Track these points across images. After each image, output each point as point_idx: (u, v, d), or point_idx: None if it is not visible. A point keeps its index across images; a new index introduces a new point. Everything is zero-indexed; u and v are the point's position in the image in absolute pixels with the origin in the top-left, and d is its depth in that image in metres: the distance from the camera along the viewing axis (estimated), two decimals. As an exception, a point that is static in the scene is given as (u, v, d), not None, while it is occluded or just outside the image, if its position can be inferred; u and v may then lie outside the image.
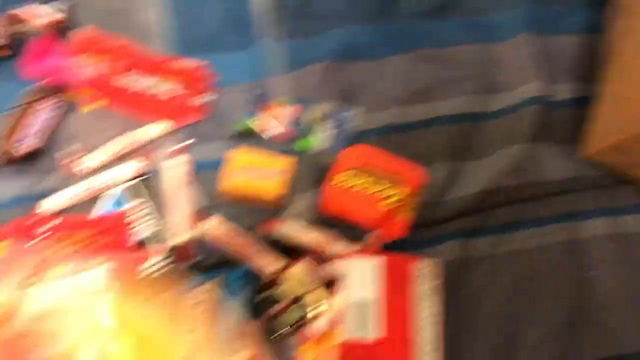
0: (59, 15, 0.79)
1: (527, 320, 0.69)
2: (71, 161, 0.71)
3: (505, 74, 0.81)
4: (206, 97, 0.78)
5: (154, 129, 0.75)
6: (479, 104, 0.80)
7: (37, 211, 0.69)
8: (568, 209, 0.75)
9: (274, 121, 0.74)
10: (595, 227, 0.75)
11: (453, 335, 0.67)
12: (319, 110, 0.77)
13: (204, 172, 0.74)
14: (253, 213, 0.72)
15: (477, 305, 0.70)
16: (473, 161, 0.77)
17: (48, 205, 0.69)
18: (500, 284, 0.71)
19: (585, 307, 0.70)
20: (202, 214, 0.71)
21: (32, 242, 0.66)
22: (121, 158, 0.73)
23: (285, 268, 0.68)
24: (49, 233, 0.68)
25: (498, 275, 0.72)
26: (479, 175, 0.76)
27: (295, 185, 0.74)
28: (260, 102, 0.76)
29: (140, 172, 0.72)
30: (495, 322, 0.69)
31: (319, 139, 0.75)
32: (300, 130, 0.75)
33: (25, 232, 0.67)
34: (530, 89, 0.80)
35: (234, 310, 0.63)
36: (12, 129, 0.71)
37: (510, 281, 0.71)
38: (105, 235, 0.68)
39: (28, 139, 0.72)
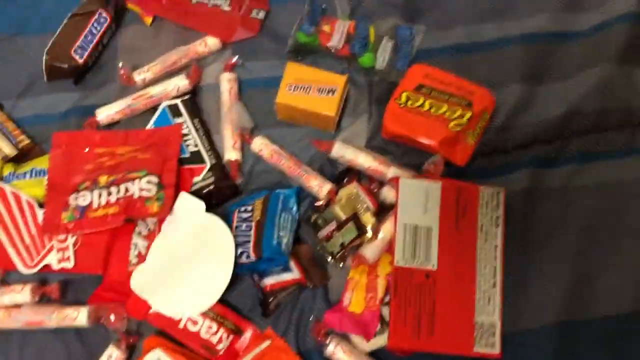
0: None
1: (602, 261, 0.62)
2: (127, 72, 0.68)
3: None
4: (261, 13, 0.73)
5: (207, 44, 0.71)
6: (560, 22, 0.72)
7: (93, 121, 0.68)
8: (659, 140, 0.67)
9: (334, 36, 0.69)
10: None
11: (516, 273, 0.61)
12: (382, 25, 0.71)
13: (254, 90, 0.71)
14: (306, 132, 0.68)
15: (547, 242, 0.63)
16: (551, 84, 0.70)
17: (103, 115, 0.68)
18: (573, 220, 0.64)
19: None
20: (249, 133, 0.67)
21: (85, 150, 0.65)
22: (173, 72, 0.70)
23: (337, 189, 0.63)
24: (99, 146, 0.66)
25: (572, 209, 0.64)
26: (558, 99, 0.68)
27: (354, 104, 0.69)
28: (319, 16, 0.71)
29: (186, 88, 0.69)
30: (565, 261, 0.62)
31: (381, 56, 0.69)
32: (361, 46, 0.69)
33: (79, 142, 0.66)
34: (621, 4, 0.70)
35: (285, 227, 0.60)
36: (71, 40, 0.70)
37: (585, 217, 0.64)
38: (154, 149, 0.65)
39: (85, 51, 0.70)
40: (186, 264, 0.59)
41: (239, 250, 0.59)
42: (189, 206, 0.61)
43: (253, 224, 0.60)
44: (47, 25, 0.74)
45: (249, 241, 0.59)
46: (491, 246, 0.60)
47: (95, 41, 0.71)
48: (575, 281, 0.61)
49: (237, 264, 0.58)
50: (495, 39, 0.72)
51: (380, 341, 0.59)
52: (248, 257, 0.58)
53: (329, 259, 0.62)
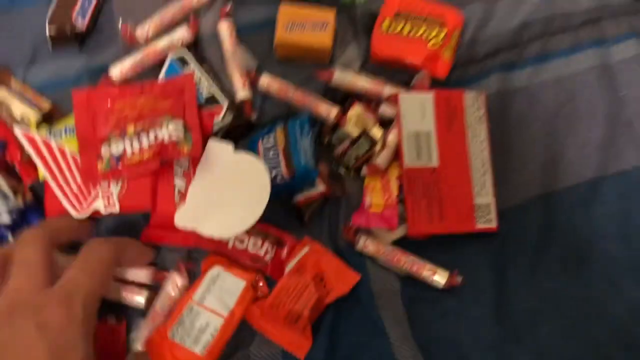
0: None
1: (567, 138, 0.75)
2: (129, 31, 0.73)
3: None
4: (244, -39, 0.79)
5: (199, -4, 0.76)
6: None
7: (107, 78, 0.72)
8: (597, 36, 0.80)
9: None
10: (624, 50, 0.79)
11: (500, 158, 0.73)
12: (354, -37, 0.79)
13: (250, 34, 0.77)
14: (304, 68, 0.76)
15: (520, 130, 0.75)
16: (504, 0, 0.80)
17: (117, 71, 0.72)
18: (539, 110, 0.77)
19: (618, 123, 0.76)
20: (254, 73, 0.74)
21: (106, 104, 0.70)
22: (172, 26, 0.75)
23: (344, 112, 0.73)
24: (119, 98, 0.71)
25: (537, 102, 0.77)
26: (512, 11, 0.79)
27: (343, 36, 0.77)
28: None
29: (188, 39, 0.75)
30: (538, 143, 0.75)
31: (359, -10, 0.78)
32: (341, -17, 0.77)
33: (99, 97, 0.70)
34: None
35: (307, 149, 0.68)
36: (70, 7, 0.73)
37: (549, 106, 0.77)
38: (172, 97, 0.71)
39: (85, 16, 0.74)
40: (226, 193, 0.67)
41: (272, 174, 0.67)
42: (218, 150, 0.68)
43: (279, 149, 0.69)
44: (38, -3, 0.77)
45: (279, 165, 0.68)
46: (478, 140, 0.72)
47: (92, 5, 0.75)
48: (546, 160, 0.74)
49: (272, 186, 0.67)
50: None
51: (399, 231, 0.70)
52: (282, 178, 0.67)
53: (344, 172, 0.72)
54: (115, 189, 0.68)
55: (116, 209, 0.68)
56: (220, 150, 0.68)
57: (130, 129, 0.69)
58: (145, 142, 0.67)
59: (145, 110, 0.70)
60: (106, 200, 0.67)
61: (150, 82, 0.73)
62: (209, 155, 0.68)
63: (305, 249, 0.68)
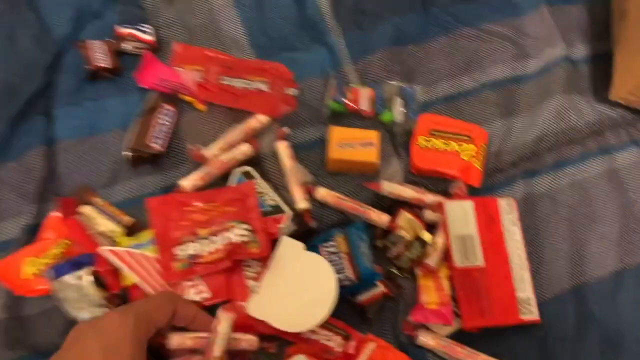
0: (150, 37, 0.91)
1: (589, 235, 0.86)
2: (197, 151, 0.83)
3: (534, 41, 0.97)
4: (292, 91, 0.91)
5: (260, 120, 0.87)
6: (516, 69, 0.96)
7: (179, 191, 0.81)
8: (602, 145, 0.92)
9: (361, 102, 0.88)
10: (627, 157, 0.92)
11: (533, 255, 0.83)
12: (389, 89, 0.91)
13: (303, 153, 0.88)
14: (351, 179, 0.86)
15: (547, 229, 0.86)
16: (522, 115, 0.93)
17: (188, 183, 0.81)
18: (561, 211, 0.87)
19: (631, 219, 0.87)
20: (310, 186, 0.84)
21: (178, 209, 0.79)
22: (235, 146, 0.85)
23: (394, 218, 0.82)
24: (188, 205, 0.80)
25: (558, 204, 0.88)
26: (528, 127, 0.92)
27: (385, 152, 0.88)
28: (341, 87, 0.90)
29: (250, 153, 0.84)
30: (563, 240, 0.85)
31: (396, 112, 0.89)
32: (379, 107, 0.89)
33: (170, 203, 0.79)
34: (556, 51, 0.97)
35: (366, 253, 0.77)
36: (144, 132, 0.83)
37: (569, 207, 0.88)
38: (237, 203, 0.80)
39: (160, 139, 0.83)
40: (296, 289, 0.74)
41: (340, 277, 0.75)
42: (291, 246, 0.76)
43: (343, 254, 0.77)
44: (114, 123, 0.87)
45: (344, 269, 0.75)
46: (515, 240, 0.81)
47: (167, 130, 0.85)
48: (573, 254, 0.84)
49: (340, 288, 0.74)
50: (472, 87, 0.95)
51: (454, 326, 0.77)
52: (349, 280, 0.75)
53: (398, 273, 0.80)
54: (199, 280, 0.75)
55: (209, 293, 0.74)
56: (292, 247, 0.77)
57: (202, 232, 0.77)
58: (217, 244, 0.75)
59: (213, 215, 0.79)
60: (196, 289, 0.74)
61: (215, 190, 0.81)
62: (282, 250, 0.77)
63: (372, 345, 0.74)
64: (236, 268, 0.77)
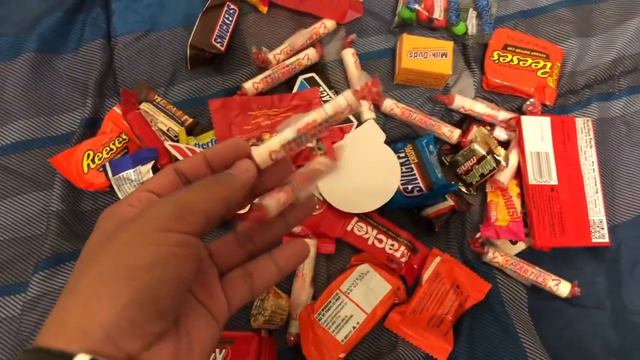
0: None
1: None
2: (262, 55, 0.79)
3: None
4: (361, -3, 0.86)
5: (326, 25, 0.83)
6: (595, -14, 0.91)
7: (242, 93, 0.78)
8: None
9: (435, 10, 0.83)
10: None
11: (606, 179, 0.79)
12: (464, 0, 0.86)
13: (370, 62, 0.84)
14: (420, 92, 0.82)
15: (619, 155, 0.82)
16: (599, 35, 0.88)
17: (249, 84, 0.77)
18: (635, 137, 0.83)
19: None
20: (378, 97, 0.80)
21: (241, 112, 0.76)
22: (299, 52, 0.81)
23: (465, 133, 0.78)
24: (252, 109, 0.77)
25: (633, 130, 0.84)
26: (606, 48, 0.87)
27: (457, 66, 0.84)
28: (413, -4, 0.85)
29: (314, 58, 0.80)
30: (636, 165, 0.81)
31: (470, 24, 0.85)
32: (456, 17, 0.84)
33: (234, 106, 0.76)
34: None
35: (436, 165, 0.74)
36: (209, 30, 0.79)
37: (641, 133, 0.84)
38: (301, 108, 0.77)
39: (224, 39, 0.79)
40: (360, 174, 0.73)
41: (409, 187, 0.72)
42: (372, 130, 0.75)
43: (413, 165, 0.74)
44: (175, 21, 0.83)
45: (416, 179, 0.73)
46: (590, 162, 0.78)
47: (230, 30, 0.80)
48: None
49: (408, 197, 0.72)
50: (549, 4, 0.90)
51: (522, 244, 0.75)
52: (420, 190, 0.72)
53: (464, 189, 0.77)
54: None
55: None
56: (374, 132, 0.76)
57: (267, 136, 0.74)
58: None
59: (278, 119, 0.76)
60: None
61: (280, 95, 0.78)
62: (364, 131, 0.76)
63: (438, 259, 0.72)
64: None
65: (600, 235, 0.75)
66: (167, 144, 0.72)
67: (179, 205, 0.30)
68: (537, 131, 0.77)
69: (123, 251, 0.28)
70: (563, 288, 0.72)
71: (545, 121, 0.77)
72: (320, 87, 0.79)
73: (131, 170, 0.70)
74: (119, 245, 0.28)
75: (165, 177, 0.34)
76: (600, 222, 0.76)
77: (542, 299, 0.73)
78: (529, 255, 0.75)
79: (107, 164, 0.71)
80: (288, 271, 0.38)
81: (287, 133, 0.35)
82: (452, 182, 0.74)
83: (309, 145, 0.73)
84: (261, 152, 0.35)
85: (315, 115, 0.35)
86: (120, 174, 0.70)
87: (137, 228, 0.29)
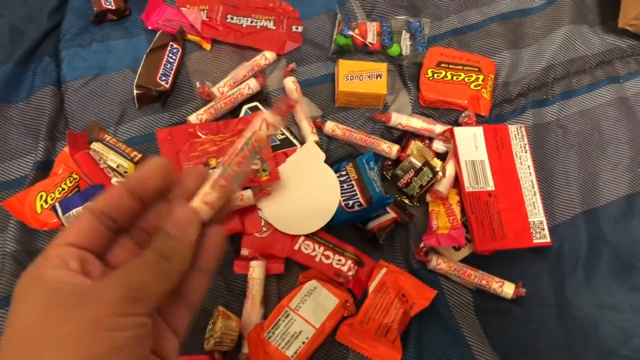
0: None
1: (600, 161, 0.85)
2: (206, 89, 0.82)
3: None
4: (299, 27, 0.91)
5: (267, 57, 0.87)
6: (523, 1, 0.95)
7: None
8: (611, 74, 0.91)
9: (368, 35, 0.88)
10: (635, 85, 0.91)
11: (544, 181, 0.82)
12: (397, 22, 0.91)
13: (311, 88, 0.88)
14: (360, 113, 0.86)
15: (557, 156, 0.85)
16: (529, 47, 0.92)
17: (193, 117, 0.81)
18: (571, 139, 0.87)
19: (640, 145, 0.87)
20: (319, 120, 0.84)
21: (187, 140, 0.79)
22: (242, 83, 0.85)
23: (404, 148, 0.82)
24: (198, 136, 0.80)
25: (568, 132, 0.87)
26: (536, 57, 0.91)
27: (393, 84, 0.88)
28: (348, 22, 0.89)
29: (258, 87, 0.84)
30: (574, 167, 0.84)
31: (404, 45, 0.89)
32: (385, 41, 0.88)
33: (180, 134, 0.79)
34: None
35: (376, 180, 0.77)
36: (153, 70, 0.83)
37: (576, 134, 0.87)
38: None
39: (168, 77, 0.83)
40: (303, 195, 0.76)
41: (350, 202, 0.75)
42: (312, 152, 0.79)
43: (353, 182, 0.77)
44: (122, 64, 0.87)
45: (356, 194, 0.75)
46: (525, 166, 0.81)
47: (174, 67, 0.84)
48: (584, 180, 0.84)
49: (350, 213, 0.74)
50: (480, 20, 0.95)
51: (465, 250, 0.78)
52: (360, 205, 0.75)
53: (407, 201, 0.80)
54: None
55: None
56: (314, 152, 0.79)
57: (213, 161, 0.77)
58: None
59: (223, 145, 0.79)
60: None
61: (225, 121, 0.81)
62: (304, 152, 0.79)
63: (384, 270, 0.75)
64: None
65: (542, 236, 0.78)
66: (114, 180, 0.75)
67: (131, 288, 0.29)
68: (471, 141, 0.80)
69: (78, 341, 0.27)
70: (507, 289, 0.74)
71: (478, 131, 0.81)
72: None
73: (80, 208, 0.73)
74: (73, 332, 0.27)
75: (82, 225, 0.31)
76: (541, 222, 0.78)
77: (488, 302, 0.75)
78: (475, 260, 0.77)
79: (57, 204, 0.73)
80: (214, 268, 0.35)
81: (214, 173, 0.34)
82: (389, 195, 0.76)
83: (254, 167, 0.76)
84: (196, 204, 0.33)
85: (237, 144, 0.35)
86: (71, 212, 0.73)
87: (90, 314, 0.27)
